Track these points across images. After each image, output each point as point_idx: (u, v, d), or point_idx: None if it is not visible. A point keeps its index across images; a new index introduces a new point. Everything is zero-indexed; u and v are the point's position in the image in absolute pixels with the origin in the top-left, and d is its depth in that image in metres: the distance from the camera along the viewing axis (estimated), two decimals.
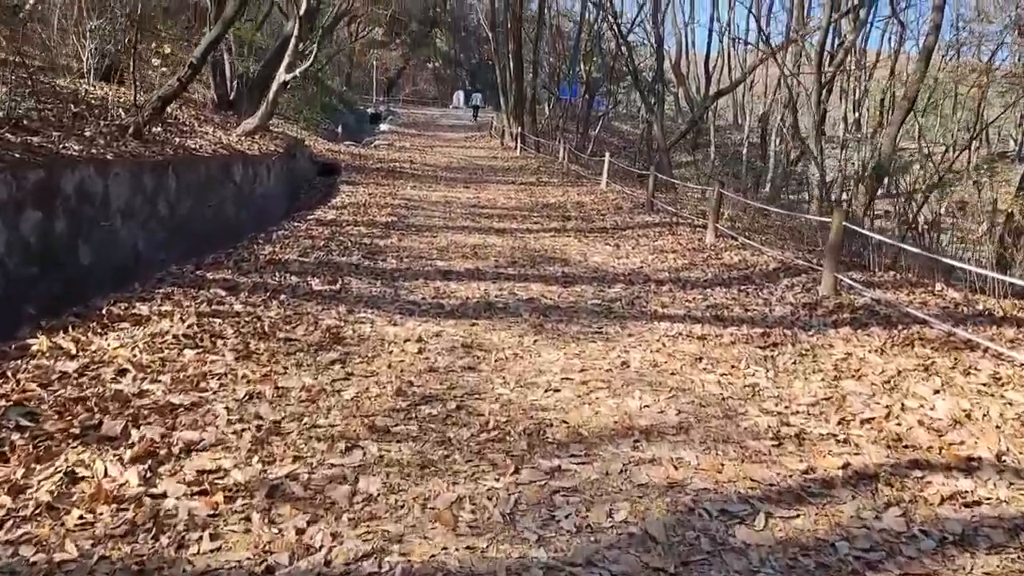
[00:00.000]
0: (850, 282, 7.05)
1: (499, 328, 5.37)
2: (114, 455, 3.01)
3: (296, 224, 9.14)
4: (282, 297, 5.68)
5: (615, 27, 19.51)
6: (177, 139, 9.17)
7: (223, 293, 5.58)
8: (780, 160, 31.78)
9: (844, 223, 7.08)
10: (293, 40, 11.52)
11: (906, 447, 3.61)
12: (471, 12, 48.95)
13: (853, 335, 5.52)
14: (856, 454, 3.49)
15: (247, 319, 5.06)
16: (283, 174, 13.07)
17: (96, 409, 3.42)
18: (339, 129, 25.97)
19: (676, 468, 3.27)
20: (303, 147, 16.89)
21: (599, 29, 27.10)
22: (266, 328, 4.91)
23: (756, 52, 35.93)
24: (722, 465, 3.31)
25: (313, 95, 29.66)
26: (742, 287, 7.43)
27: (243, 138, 11.71)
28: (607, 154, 16.34)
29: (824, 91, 22.65)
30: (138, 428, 3.28)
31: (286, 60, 11.65)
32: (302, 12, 11.30)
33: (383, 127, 31.41)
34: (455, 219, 11.03)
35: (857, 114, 28.05)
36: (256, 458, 3.12)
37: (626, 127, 43.06)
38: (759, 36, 36.52)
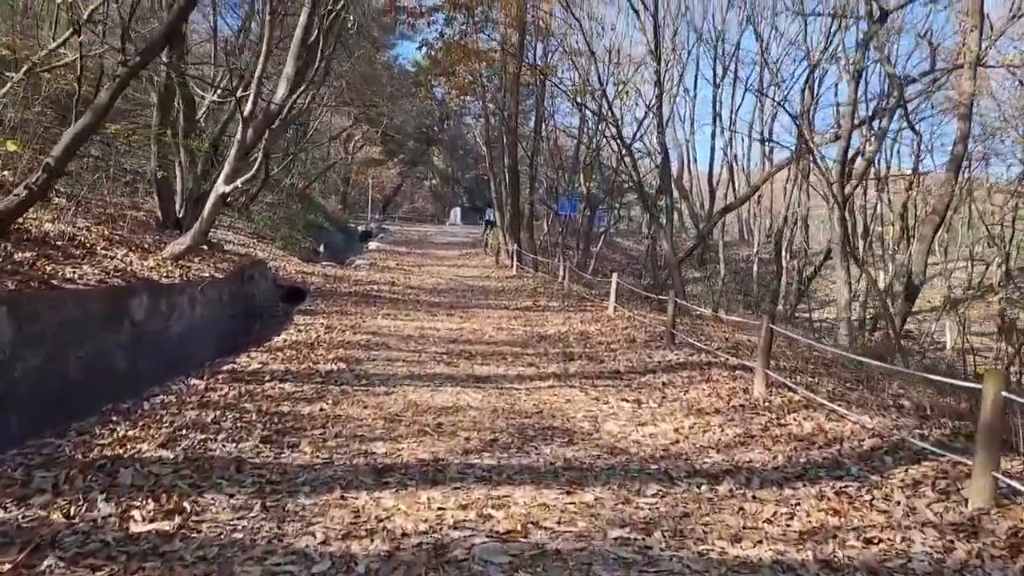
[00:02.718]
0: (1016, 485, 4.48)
1: None
2: None
3: (195, 383, 6.66)
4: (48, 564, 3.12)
5: (618, 137, 17.88)
6: (49, 267, 6.87)
7: None
8: (794, 277, 29.82)
9: (1004, 392, 4.55)
10: (235, 146, 9.50)
11: None
12: (468, 130, 48.65)
13: None
14: None
15: None
16: (224, 304, 10.74)
17: None
18: (321, 248, 24.04)
19: None
20: (264, 269, 14.69)
21: (599, 141, 25.71)
22: None
23: (762, 166, 34.82)
24: None
25: (297, 212, 28.02)
26: (837, 483, 4.87)
27: (167, 262, 9.46)
28: (614, 274, 14.12)
29: (847, 206, 20.87)
30: None
31: (226, 169, 9.59)
32: (246, 113, 9.33)
33: (371, 245, 29.61)
34: (425, 363, 8.57)
35: (881, 229, 26.20)
36: None
37: (628, 243, 41.49)
38: (764, 151, 35.56)
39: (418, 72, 30.71)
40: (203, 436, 4.98)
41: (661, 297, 17.63)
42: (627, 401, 7.17)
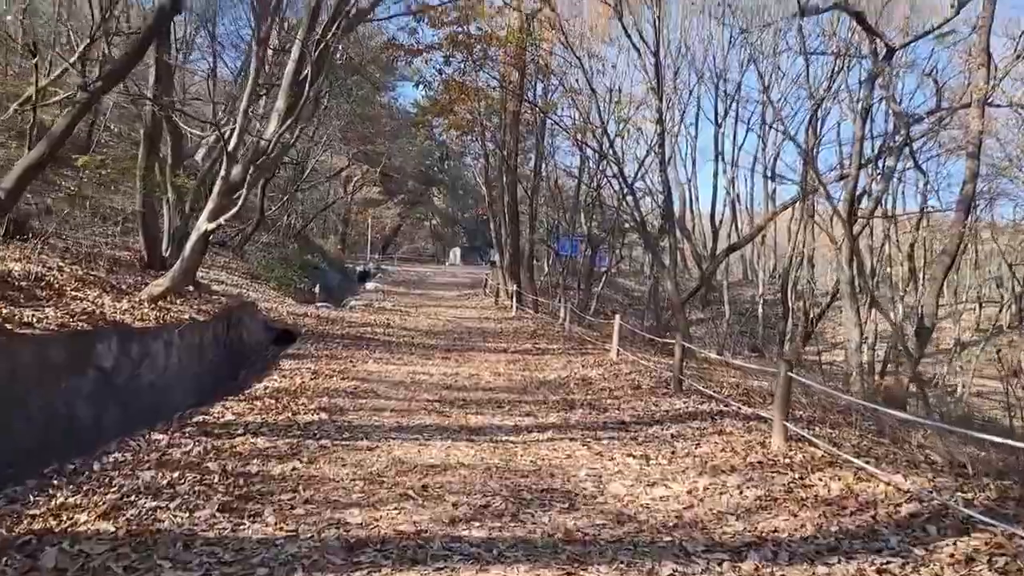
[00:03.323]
0: None
1: None
2: None
3: (157, 438, 6.04)
4: None
5: (620, 176, 17.49)
6: (5, 310, 6.32)
7: None
8: (800, 318, 29.22)
9: None
10: (219, 182, 9.03)
11: None
12: (468, 170, 48.60)
13: None
14: None
15: None
16: (205, 348, 10.17)
17: None
18: (316, 289, 23.52)
19: None
20: (253, 311, 14.15)
21: (599, 181, 25.38)
22: None
23: (766, 205, 34.49)
24: None
25: (293, 253, 27.60)
26: (877, 557, 4.24)
27: (144, 304, 8.92)
28: (617, 316, 13.55)
29: (855, 245, 20.40)
30: None
31: (209, 206, 9.12)
32: (231, 147, 8.89)
33: (369, 286, 29.12)
34: (415, 412, 7.96)
35: (890, 269, 25.71)
36: None
37: (630, 283, 41.01)
38: (767, 191, 35.29)
39: (418, 112, 30.57)
40: (154, 503, 4.36)
41: (666, 341, 17.06)
42: (634, 457, 6.55)
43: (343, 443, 6.31)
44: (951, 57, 25.20)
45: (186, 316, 9.53)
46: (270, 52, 11.50)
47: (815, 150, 25.83)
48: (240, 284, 19.53)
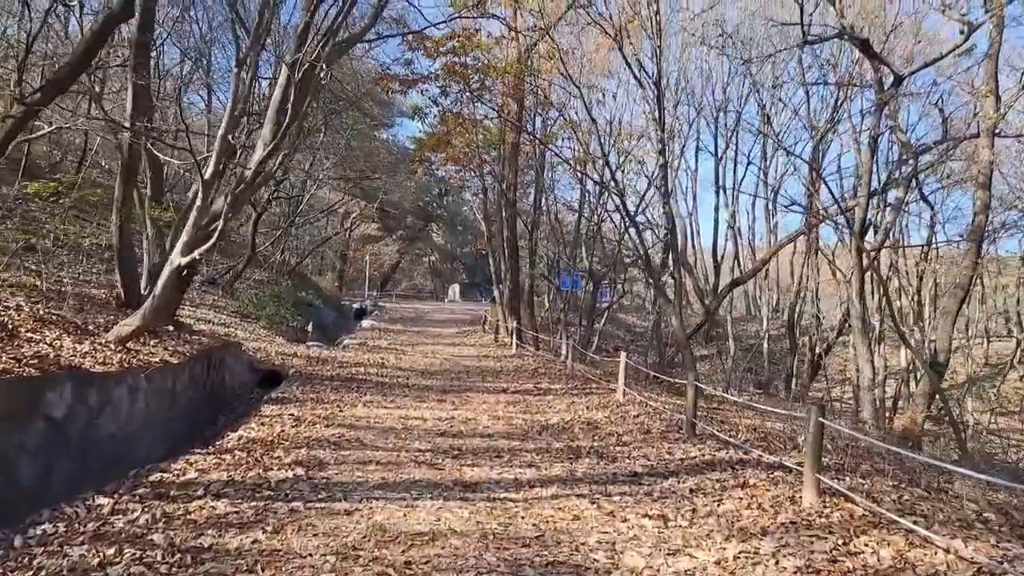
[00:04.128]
0: None
1: None
2: None
3: (100, 502, 5.26)
4: None
5: (622, 208, 16.87)
6: None
7: None
8: (806, 354, 28.42)
9: None
10: (194, 212, 8.37)
11: None
12: (466, 206, 48.22)
13: None
14: None
15: None
16: (178, 393, 9.40)
17: None
18: (309, 327, 22.76)
19: None
20: (238, 351, 13.41)
21: (600, 214, 24.79)
22: None
23: (769, 239, 33.92)
24: None
25: (287, 290, 26.91)
26: None
27: (110, 346, 8.19)
28: (622, 354, 12.79)
29: (864, 279, 19.73)
30: None
31: (183, 238, 8.43)
32: (207, 175, 8.24)
33: (365, 323, 28.37)
34: (404, 465, 7.16)
35: (900, 303, 25.01)
36: None
37: (631, 318, 40.25)
38: (769, 224, 34.74)
39: (416, 148, 30.19)
40: None
41: (677, 381, 16.28)
42: (650, 517, 5.76)
43: (318, 505, 5.52)
44: (952, 89, 24.81)
45: (157, 359, 8.78)
46: (260, 82, 10.94)
47: (817, 183, 25.33)
48: (228, 323, 18.80)
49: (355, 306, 34.74)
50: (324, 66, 9.25)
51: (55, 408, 6.43)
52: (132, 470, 6.44)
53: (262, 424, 8.63)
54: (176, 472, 6.25)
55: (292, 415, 9.45)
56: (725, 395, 12.01)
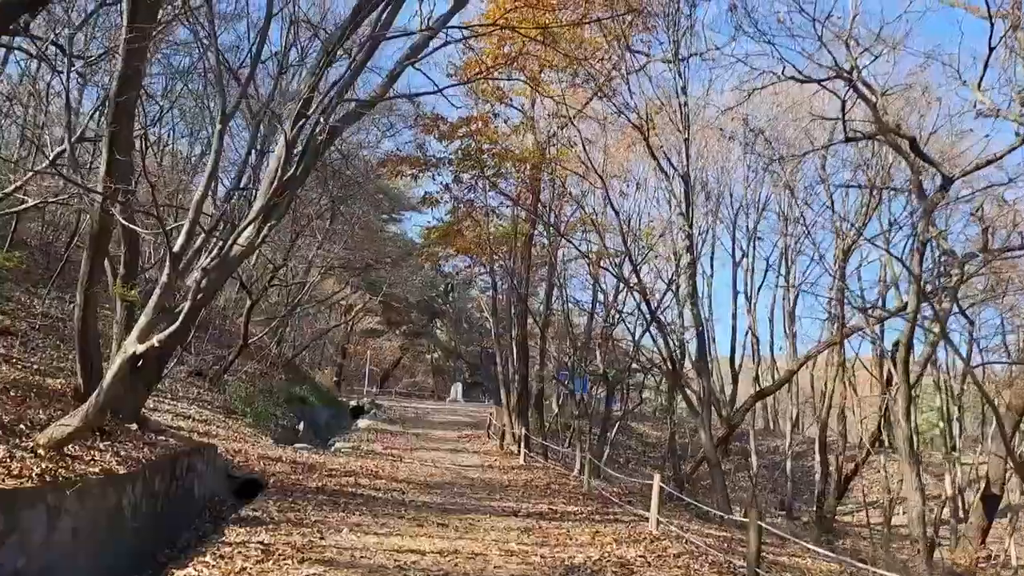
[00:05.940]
0: None
1: None
2: None
3: None
4: None
5: (646, 306, 15.48)
6: None
7: None
8: (832, 475, 26.32)
9: None
10: (158, 290, 6.93)
11: None
12: (471, 303, 47.02)
13: None
14: None
15: None
16: (127, 511, 7.65)
17: None
18: (300, 426, 20.94)
19: None
20: (212, 456, 11.68)
21: (615, 317, 23.38)
22: None
23: (791, 350, 32.29)
24: None
25: (279, 385, 25.21)
26: None
27: (37, 451, 6.55)
28: (656, 476, 10.99)
29: (911, 398, 18.12)
30: None
31: (140, 321, 6.96)
32: (176, 247, 6.86)
33: (361, 423, 26.48)
34: None
35: (945, 424, 23.16)
36: None
37: (643, 428, 38.15)
38: (788, 332, 33.22)
39: (424, 238, 29.22)
40: None
41: (702, 505, 14.40)
42: None
43: None
44: (985, 197, 23.91)
45: (97, 468, 7.10)
46: (252, 155, 9.79)
47: (844, 293, 24.04)
48: (210, 419, 17.08)
49: (352, 404, 32.89)
50: (327, 131, 8.07)
51: None
52: None
53: (217, 560, 6.82)
54: None
55: (261, 544, 7.65)
56: (786, 536, 10.12)
